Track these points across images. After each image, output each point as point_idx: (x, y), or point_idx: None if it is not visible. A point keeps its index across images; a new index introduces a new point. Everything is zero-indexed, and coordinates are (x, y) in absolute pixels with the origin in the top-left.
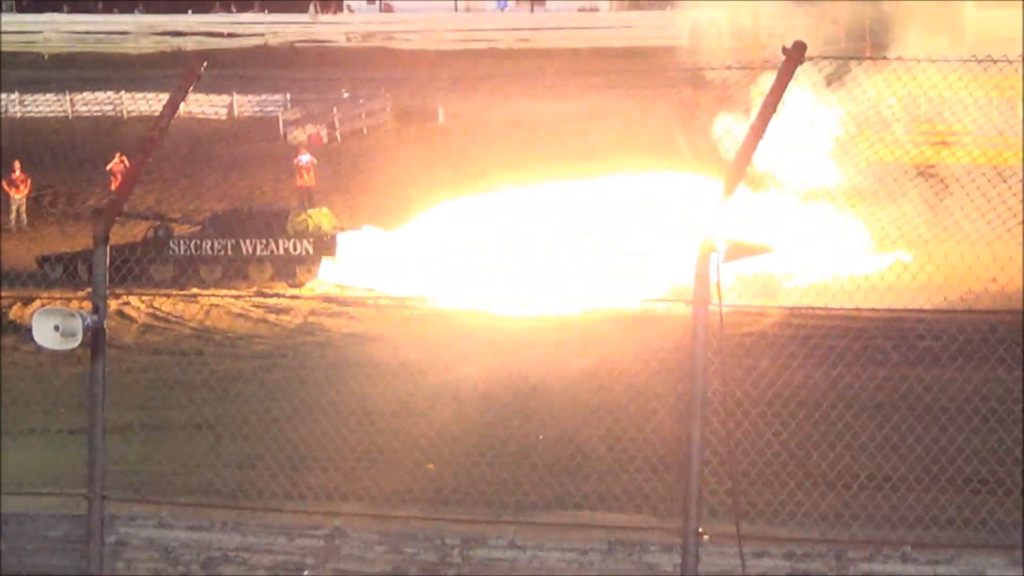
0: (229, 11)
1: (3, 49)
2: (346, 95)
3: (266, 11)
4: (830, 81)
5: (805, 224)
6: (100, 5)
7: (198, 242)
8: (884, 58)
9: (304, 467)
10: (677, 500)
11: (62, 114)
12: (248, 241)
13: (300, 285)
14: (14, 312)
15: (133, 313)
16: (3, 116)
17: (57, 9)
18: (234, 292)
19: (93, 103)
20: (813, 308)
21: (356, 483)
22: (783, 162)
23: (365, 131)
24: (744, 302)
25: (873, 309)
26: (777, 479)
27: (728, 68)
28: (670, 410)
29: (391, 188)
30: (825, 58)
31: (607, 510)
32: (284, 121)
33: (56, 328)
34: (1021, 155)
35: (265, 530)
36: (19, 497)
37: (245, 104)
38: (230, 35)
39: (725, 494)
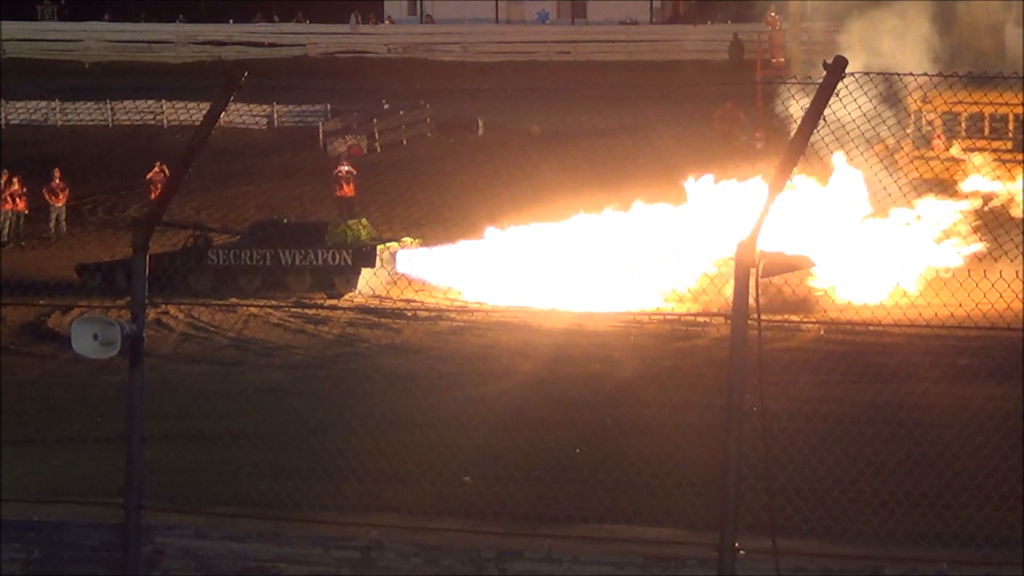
0: (271, 21)
1: (45, 57)
2: (386, 106)
3: (307, 21)
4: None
5: (846, 238)
6: (143, 15)
7: (237, 252)
8: (925, 75)
9: (341, 478)
10: (713, 515)
11: (102, 122)
12: (287, 251)
13: (339, 296)
14: (53, 320)
15: (171, 322)
16: (44, 124)
17: (98, 17)
18: (272, 303)
19: (133, 111)
20: (852, 323)
21: (393, 495)
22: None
23: (405, 142)
24: (782, 317)
25: (911, 324)
26: (814, 495)
27: (768, 82)
28: (707, 424)
29: (430, 199)
30: (866, 73)
31: (643, 524)
32: (324, 132)
33: (95, 336)
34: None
35: (301, 541)
36: (55, 505)
37: (285, 114)
38: (271, 45)
39: (762, 509)
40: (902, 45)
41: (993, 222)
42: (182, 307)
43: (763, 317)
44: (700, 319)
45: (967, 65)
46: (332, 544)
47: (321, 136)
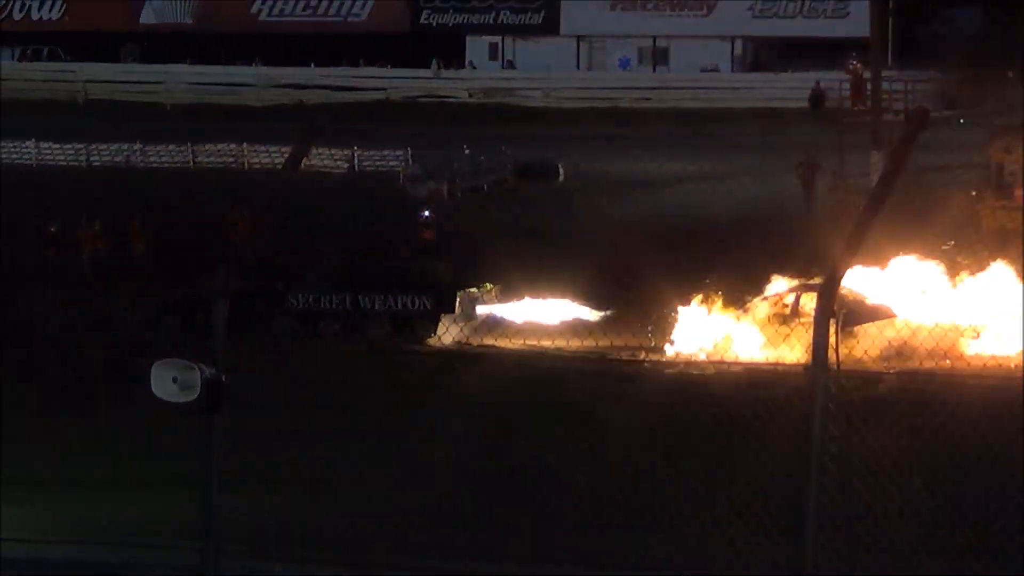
0: (353, 64)
1: (126, 99)
2: (466, 151)
3: (389, 66)
4: None
5: (929, 287)
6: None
7: (317, 296)
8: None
9: (418, 524)
10: (792, 566)
11: (184, 165)
12: (367, 296)
13: (419, 340)
14: (132, 360)
15: (251, 365)
16: (126, 166)
17: (180, 60)
18: (352, 346)
19: (215, 154)
20: (932, 372)
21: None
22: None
23: (485, 188)
24: (862, 366)
25: (992, 375)
26: (892, 547)
27: (849, 132)
28: (784, 474)
29: (509, 246)
30: (948, 123)
31: (720, 572)
32: (404, 176)
33: (174, 380)
34: None
35: None
36: (132, 548)
37: (366, 158)
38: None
39: (841, 561)
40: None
41: None
42: (263, 350)
43: (843, 367)
44: (780, 368)
45: None
46: None
47: (401, 180)
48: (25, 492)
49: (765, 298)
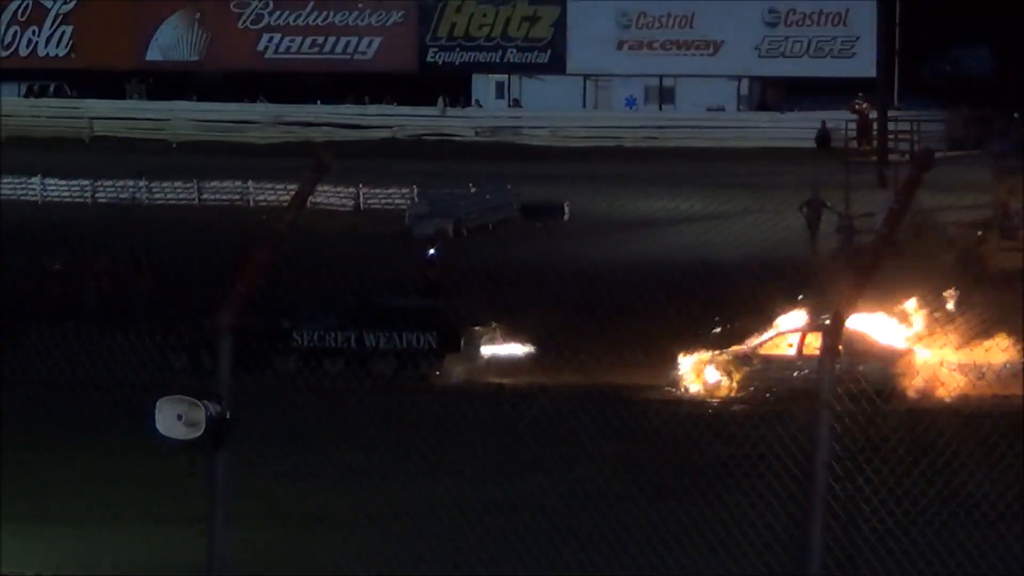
0: (362, 103)
1: (133, 136)
2: (472, 189)
3: (395, 103)
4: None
5: (936, 325)
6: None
7: (321, 334)
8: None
9: (424, 564)
10: None
11: (189, 202)
12: (371, 334)
13: (424, 378)
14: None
15: (255, 402)
16: (131, 203)
17: (186, 96)
18: (358, 385)
19: (221, 192)
20: (937, 410)
21: None
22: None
23: (491, 226)
24: (867, 405)
25: (996, 413)
26: None
27: (855, 172)
28: (789, 514)
29: (515, 284)
30: (953, 163)
31: None
32: (410, 214)
33: (179, 417)
34: None
35: None
36: None
37: (371, 196)
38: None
39: None
40: None
41: None
42: (268, 387)
43: (848, 405)
44: (784, 407)
45: None
46: None
47: (407, 219)
48: (28, 528)
49: (770, 337)
